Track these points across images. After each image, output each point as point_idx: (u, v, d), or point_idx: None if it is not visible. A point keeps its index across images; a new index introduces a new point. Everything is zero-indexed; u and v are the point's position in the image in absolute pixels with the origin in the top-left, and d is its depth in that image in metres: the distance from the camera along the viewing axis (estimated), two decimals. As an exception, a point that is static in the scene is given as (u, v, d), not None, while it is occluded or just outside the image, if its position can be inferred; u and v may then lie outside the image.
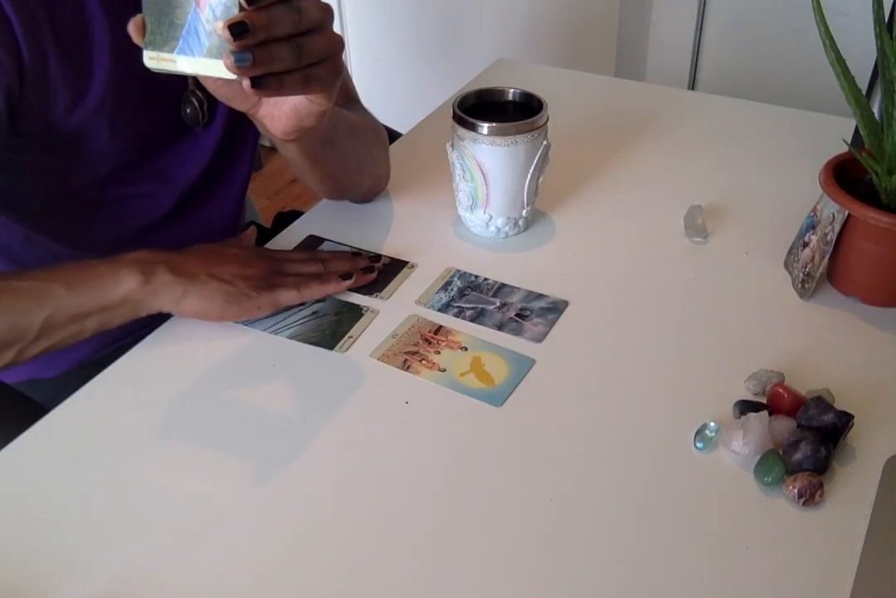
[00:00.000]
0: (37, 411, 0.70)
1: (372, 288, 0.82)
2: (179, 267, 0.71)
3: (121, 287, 0.68)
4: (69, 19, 0.69)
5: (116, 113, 0.75)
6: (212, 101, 0.83)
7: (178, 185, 0.87)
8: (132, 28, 0.57)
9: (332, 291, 0.79)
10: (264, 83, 0.57)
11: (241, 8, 0.54)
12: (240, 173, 0.94)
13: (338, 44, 0.62)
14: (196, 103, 0.82)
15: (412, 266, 0.85)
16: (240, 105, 0.69)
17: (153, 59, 0.57)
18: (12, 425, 0.71)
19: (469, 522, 0.60)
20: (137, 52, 0.75)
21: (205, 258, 0.74)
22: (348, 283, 0.79)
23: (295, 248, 0.88)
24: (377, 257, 0.85)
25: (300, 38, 0.58)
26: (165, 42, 0.55)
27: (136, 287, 0.69)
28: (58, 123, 0.72)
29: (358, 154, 0.88)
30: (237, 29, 0.53)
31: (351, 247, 0.88)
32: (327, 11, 0.60)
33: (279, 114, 0.68)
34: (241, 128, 0.89)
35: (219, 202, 0.93)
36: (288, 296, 0.76)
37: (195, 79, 0.80)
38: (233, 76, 0.55)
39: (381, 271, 0.84)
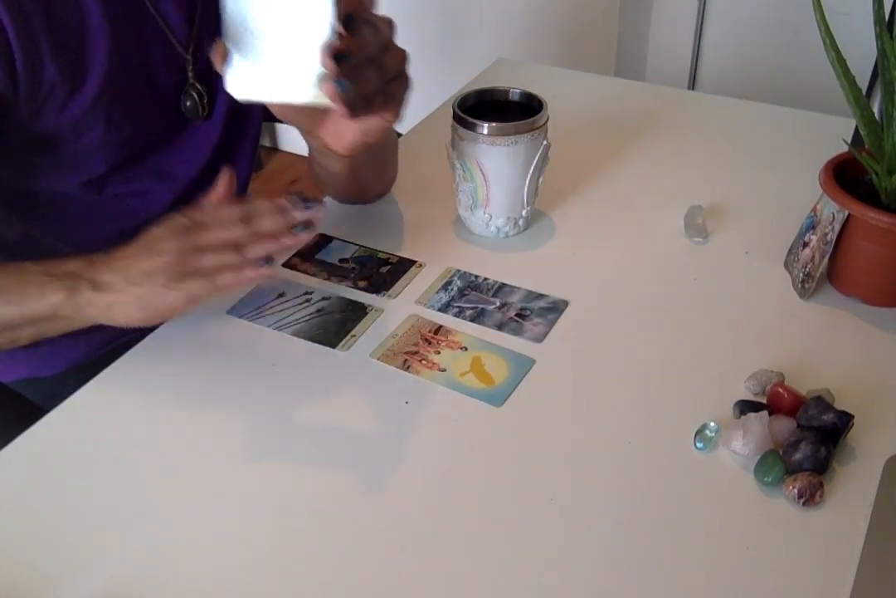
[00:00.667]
0: (33, 411, 0.70)
1: (380, 287, 0.82)
2: (101, 280, 0.64)
3: (46, 301, 0.64)
4: (66, 19, 0.69)
5: (111, 109, 0.75)
6: (211, 93, 0.83)
7: (176, 183, 0.87)
8: (215, 56, 0.56)
9: (250, 282, 0.67)
10: (356, 106, 0.57)
11: (335, 34, 0.54)
12: (240, 170, 0.93)
13: (407, 58, 0.62)
14: (196, 96, 0.82)
15: (420, 265, 0.85)
16: (302, 123, 0.68)
17: (237, 88, 0.56)
18: (8, 424, 0.71)
19: (469, 521, 0.60)
20: (134, 47, 0.74)
21: (127, 257, 0.65)
22: (267, 271, 0.64)
23: (303, 247, 0.88)
24: (315, 201, 0.65)
25: (380, 57, 0.59)
26: (251, 69, 0.55)
27: (61, 303, 0.64)
28: (51, 121, 0.72)
29: (385, 161, 0.89)
30: (339, 57, 0.54)
31: (358, 246, 0.88)
32: (393, 26, 0.60)
33: (346, 131, 0.67)
34: (242, 123, 0.89)
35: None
36: (200, 290, 0.63)
37: (195, 71, 0.80)
38: (328, 103, 0.55)
39: (389, 271, 0.84)
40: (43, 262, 0.66)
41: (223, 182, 0.68)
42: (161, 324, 0.77)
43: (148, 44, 0.76)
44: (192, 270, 0.63)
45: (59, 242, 0.83)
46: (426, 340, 0.76)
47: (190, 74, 0.81)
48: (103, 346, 0.91)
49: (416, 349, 0.75)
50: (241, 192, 0.96)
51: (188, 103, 0.82)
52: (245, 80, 0.56)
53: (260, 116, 0.91)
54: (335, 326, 0.77)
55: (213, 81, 0.83)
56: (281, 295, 0.81)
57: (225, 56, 0.56)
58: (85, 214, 0.84)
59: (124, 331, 0.91)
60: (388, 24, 0.60)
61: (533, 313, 0.79)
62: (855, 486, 0.62)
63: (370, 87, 0.59)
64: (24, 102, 0.70)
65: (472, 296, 0.81)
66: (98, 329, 0.90)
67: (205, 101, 0.82)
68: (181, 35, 0.79)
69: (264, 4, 0.53)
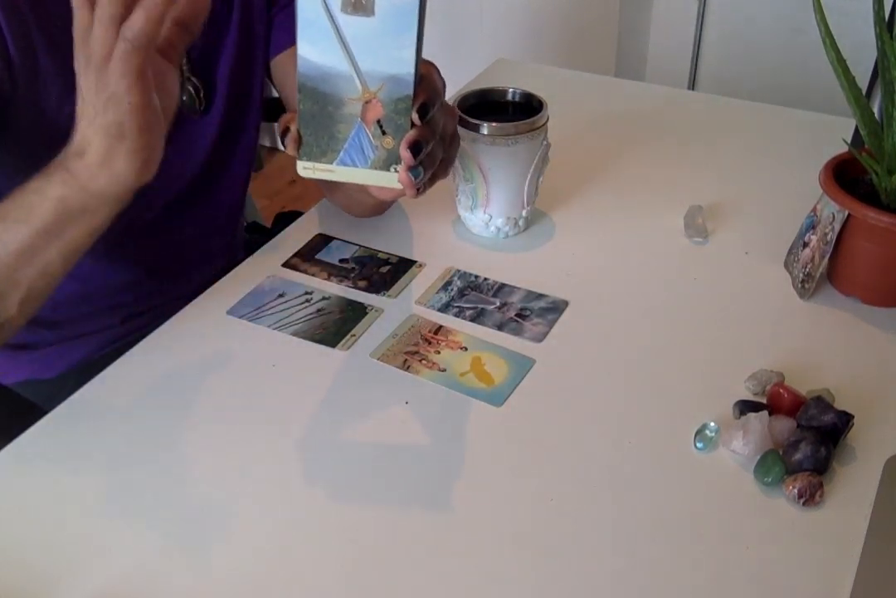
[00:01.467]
0: (34, 413, 0.70)
1: (379, 287, 0.82)
2: (78, 146, 0.60)
3: (48, 199, 0.60)
4: (57, 13, 0.69)
5: None
6: (208, 88, 0.83)
7: (176, 179, 0.86)
8: (290, 142, 0.56)
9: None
10: (424, 187, 0.58)
11: (412, 123, 0.55)
12: (239, 168, 0.93)
13: (457, 116, 0.63)
14: (192, 91, 0.81)
15: (420, 265, 0.85)
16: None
17: (308, 169, 0.57)
18: (9, 426, 0.70)
19: (469, 521, 0.60)
20: None
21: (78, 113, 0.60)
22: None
23: (303, 247, 0.88)
24: None
25: (446, 135, 0.60)
26: (324, 153, 0.56)
27: (62, 194, 0.60)
28: (51, 115, 0.72)
29: None
30: (416, 149, 0.55)
31: (358, 246, 0.88)
32: (443, 84, 0.61)
33: (391, 192, 0.65)
34: (240, 118, 0.88)
35: (218, 198, 0.92)
36: (126, 56, 0.56)
37: (190, 65, 0.80)
38: (399, 186, 0.57)
39: (389, 271, 0.84)
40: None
41: None
42: (160, 325, 0.77)
43: None
44: (102, 52, 0.56)
45: None
46: (426, 340, 0.76)
47: (185, 68, 0.81)
48: (103, 348, 0.91)
49: (416, 349, 0.75)
50: (241, 189, 0.96)
51: (184, 98, 0.81)
52: (317, 164, 0.57)
53: (259, 113, 0.90)
54: (335, 326, 0.77)
55: (209, 76, 0.83)
56: (281, 295, 0.81)
57: (298, 141, 0.56)
58: None
59: (124, 334, 0.91)
60: (442, 82, 0.60)
61: (533, 313, 0.79)
62: (855, 486, 0.62)
63: (436, 163, 0.60)
64: (23, 98, 0.70)
65: (472, 296, 0.81)
66: (96, 332, 0.91)
67: (201, 94, 0.82)
68: None
69: (339, 92, 0.54)
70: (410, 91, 0.53)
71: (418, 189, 0.58)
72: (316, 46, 0.53)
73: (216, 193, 0.91)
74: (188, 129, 0.85)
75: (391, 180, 0.57)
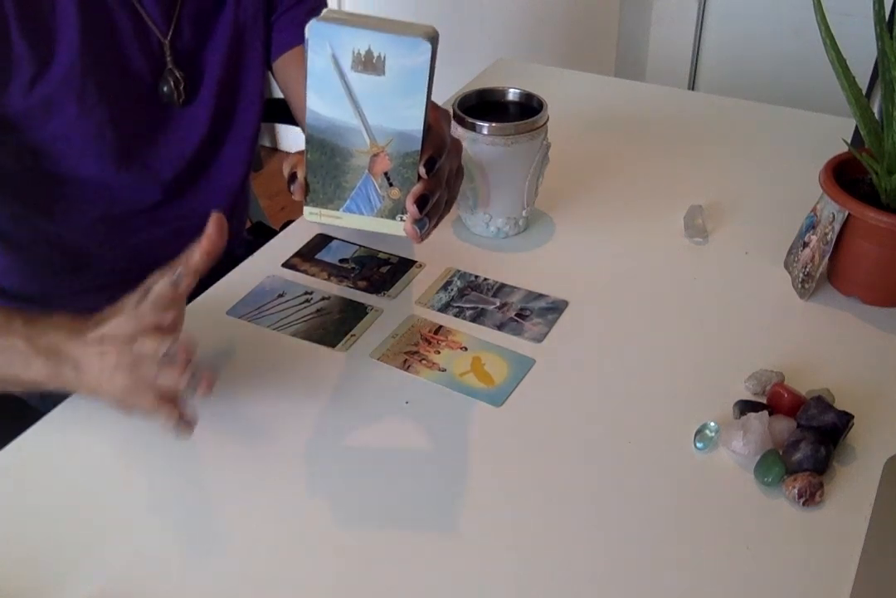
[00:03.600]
0: (27, 411, 0.70)
1: (379, 287, 0.82)
2: (82, 362, 0.60)
3: (29, 375, 0.61)
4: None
5: (83, 87, 0.75)
6: (192, 79, 0.83)
7: (162, 174, 0.86)
8: (297, 189, 0.57)
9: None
10: (428, 232, 0.60)
11: (417, 178, 0.56)
12: (234, 167, 0.92)
13: (461, 149, 0.63)
14: (173, 82, 0.81)
15: (420, 265, 0.85)
16: None
17: (314, 214, 0.58)
18: (5, 426, 0.70)
19: (469, 521, 0.60)
20: (106, 27, 0.75)
21: (101, 339, 0.60)
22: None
23: (303, 247, 0.88)
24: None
25: (451, 178, 0.61)
26: (330, 200, 0.57)
27: (44, 381, 0.61)
28: (21, 96, 0.72)
29: None
30: (422, 201, 0.56)
31: (358, 246, 0.88)
32: (450, 117, 0.62)
33: None
34: (230, 113, 0.88)
35: (211, 193, 0.92)
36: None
37: (174, 56, 0.80)
38: (403, 234, 0.58)
39: (389, 271, 0.84)
40: (29, 321, 0.62)
41: (212, 231, 0.59)
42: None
43: (119, 25, 0.76)
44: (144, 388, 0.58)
45: (48, 223, 0.83)
46: (426, 340, 0.76)
47: (168, 60, 0.81)
48: None
49: (416, 349, 0.75)
50: (237, 185, 0.95)
51: (165, 89, 0.82)
52: (323, 210, 0.58)
53: (256, 109, 0.90)
54: (335, 326, 0.77)
55: (196, 69, 0.83)
56: (281, 295, 0.81)
57: (305, 187, 0.57)
58: (69, 197, 0.83)
59: None
60: (449, 122, 0.61)
61: (533, 313, 0.79)
62: (855, 486, 0.62)
63: (441, 209, 0.61)
64: None
65: (472, 296, 0.81)
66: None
67: (181, 87, 0.82)
68: (159, 20, 0.79)
69: (348, 144, 0.54)
70: (418, 146, 0.54)
71: (423, 236, 0.59)
72: (325, 100, 0.53)
73: (207, 189, 0.91)
74: (173, 122, 0.85)
75: (396, 229, 0.58)
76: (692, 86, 2.02)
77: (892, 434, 0.65)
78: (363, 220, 0.57)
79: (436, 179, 0.57)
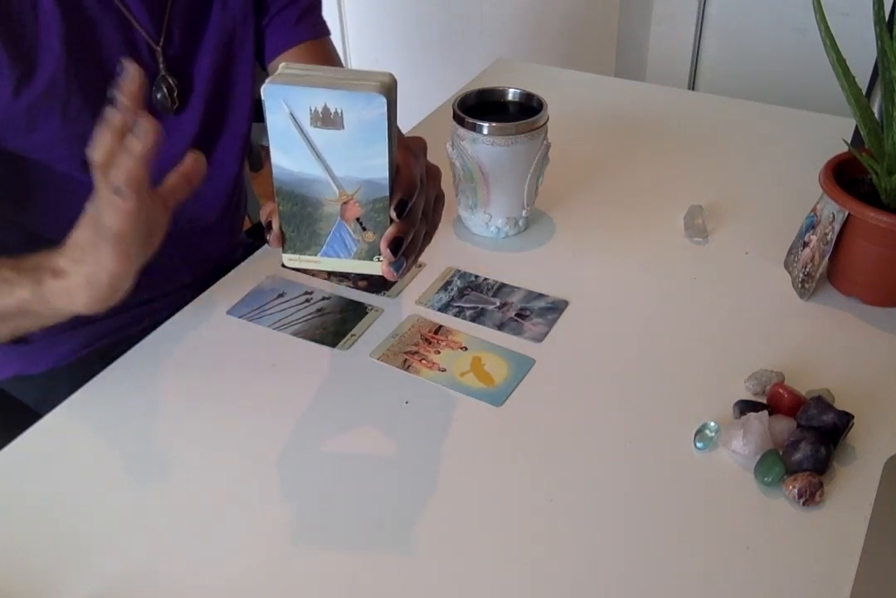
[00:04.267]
0: (25, 412, 0.70)
1: (379, 287, 0.82)
2: (59, 267, 0.60)
3: (13, 296, 0.62)
4: (16, 3, 0.69)
5: (68, 97, 0.74)
6: (185, 86, 0.82)
7: (153, 177, 0.86)
8: (272, 240, 0.58)
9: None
10: (406, 269, 0.60)
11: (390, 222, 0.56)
12: (225, 170, 0.92)
13: (440, 176, 0.63)
14: (166, 90, 0.81)
15: (420, 265, 0.85)
16: None
17: (293, 260, 0.58)
18: (2, 427, 0.70)
19: (469, 521, 0.60)
20: (92, 34, 0.75)
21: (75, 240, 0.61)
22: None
23: None
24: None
25: (428, 210, 0.61)
26: (307, 247, 0.57)
27: (28, 298, 0.61)
28: (4, 106, 0.72)
29: None
30: (395, 246, 0.56)
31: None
32: (426, 148, 0.61)
33: None
34: (221, 118, 0.88)
35: (205, 194, 0.91)
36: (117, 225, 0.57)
37: (166, 64, 0.80)
38: (381, 273, 0.58)
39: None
40: (17, 257, 0.63)
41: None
42: (159, 324, 0.77)
43: (104, 32, 0.76)
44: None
45: (41, 229, 0.83)
46: (426, 340, 0.76)
47: (161, 67, 0.80)
48: (91, 343, 0.91)
49: (416, 349, 0.75)
50: (230, 189, 0.95)
51: (158, 96, 0.81)
52: (301, 256, 0.58)
53: (248, 112, 0.90)
54: (335, 326, 0.77)
55: (186, 75, 0.83)
56: (281, 295, 0.81)
57: (280, 237, 0.58)
58: (61, 205, 0.82)
59: (111, 329, 0.91)
60: (424, 151, 0.61)
61: (533, 313, 0.79)
62: (855, 486, 0.62)
63: (419, 245, 0.61)
64: None
65: (472, 296, 0.81)
66: (84, 325, 0.91)
67: (174, 93, 0.82)
68: (148, 26, 0.78)
69: (317, 195, 0.55)
70: (386, 192, 0.54)
71: (399, 274, 0.60)
72: (290, 156, 0.53)
73: (201, 194, 0.91)
74: (165, 126, 0.84)
75: (375, 269, 0.58)
76: (692, 86, 2.02)
77: (892, 434, 0.65)
78: (342, 262, 0.58)
79: (409, 219, 0.57)
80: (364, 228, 0.56)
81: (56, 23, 0.71)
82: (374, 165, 0.53)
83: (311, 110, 0.51)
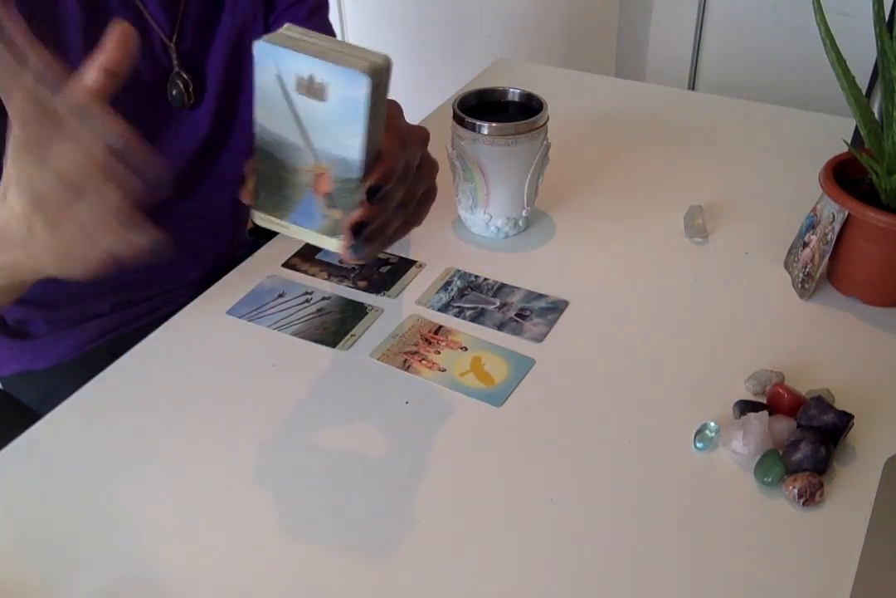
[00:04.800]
0: (26, 412, 0.70)
1: (379, 287, 0.82)
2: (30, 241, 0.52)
3: None
4: (38, 2, 0.69)
5: None
6: (198, 82, 0.83)
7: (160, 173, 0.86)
8: (244, 194, 0.57)
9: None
10: (370, 256, 0.59)
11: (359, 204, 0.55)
12: (235, 163, 0.92)
13: (435, 170, 0.62)
14: (182, 85, 0.82)
15: (420, 265, 0.85)
16: None
17: (262, 220, 0.58)
18: (2, 424, 0.70)
19: (469, 521, 0.60)
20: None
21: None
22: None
23: (303, 247, 0.87)
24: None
25: (408, 193, 0.59)
26: (276, 209, 0.57)
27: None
28: None
29: None
30: (357, 228, 0.55)
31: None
32: (427, 139, 0.59)
33: None
34: (232, 112, 0.88)
35: (217, 187, 0.92)
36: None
37: (179, 60, 0.81)
38: (339, 252, 0.58)
39: (389, 271, 0.84)
40: None
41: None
42: (162, 325, 0.77)
43: None
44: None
45: None
46: (426, 340, 0.76)
47: (175, 63, 0.81)
48: (94, 339, 0.91)
49: (416, 349, 0.75)
50: (237, 186, 0.95)
51: (174, 92, 0.82)
52: (271, 218, 0.58)
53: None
54: (335, 326, 0.77)
55: (199, 71, 0.83)
56: (281, 295, 0.81)
57: (253, 193, 0.57)
58: None
59: (111, 327, 0.91)
60: (424, 138, 0.59)
61: (533, 313, 0.79)
62: (855, 486, 0.62)
63: (387, 235, 0.59)
64: None
65: (472, 296, 0.81)
66: (87, 323, 0.91)
67: (190, 89, 0.83)
68: (163, 22, 0.79)
69: (293, 161, 0.55)
70: (358, 175, 0.53)
71: (362, 258, 0.59)
72: (271, 116, 0.53)
73: (208, 190, 0.91)
74: (177, 124, 0.85)
75: (336, 247, 0.57)
76: (692, 86, 2.02)
77: (892, 434, 0.65)
78: (306, 233, 0.57)
79: (380, 205, 0.56)
80: (333, 206, 0.55)
81: (77, 19, 0.72)
82: (349, 145, 0.52)
83: (296, 76, 0.50)
